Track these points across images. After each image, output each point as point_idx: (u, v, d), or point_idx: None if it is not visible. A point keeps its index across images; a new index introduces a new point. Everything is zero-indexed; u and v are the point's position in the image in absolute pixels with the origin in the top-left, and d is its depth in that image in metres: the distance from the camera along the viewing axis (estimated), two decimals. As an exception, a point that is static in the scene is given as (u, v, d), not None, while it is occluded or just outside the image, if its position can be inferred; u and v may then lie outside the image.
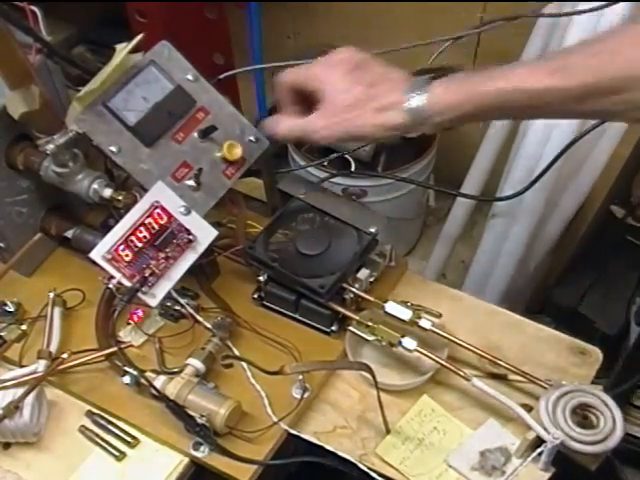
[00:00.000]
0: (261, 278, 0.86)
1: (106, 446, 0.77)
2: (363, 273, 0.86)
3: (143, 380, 0.76)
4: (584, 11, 1.01)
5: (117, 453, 0.77)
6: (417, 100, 0.70)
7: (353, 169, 1.61)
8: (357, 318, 0.82)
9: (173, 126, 0.84)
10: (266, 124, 0.82)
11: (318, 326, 0.86)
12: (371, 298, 0.84)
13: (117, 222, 0.77)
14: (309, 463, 0.76)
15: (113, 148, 0.79)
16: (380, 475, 0.74)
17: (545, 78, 0.63)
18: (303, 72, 0.77)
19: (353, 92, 0.73)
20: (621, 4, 1.04)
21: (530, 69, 0.65)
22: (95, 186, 0.81)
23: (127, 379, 0.78)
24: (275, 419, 0.77)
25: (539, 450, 0.72)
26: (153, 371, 0.78)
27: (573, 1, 1.07)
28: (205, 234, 0.81)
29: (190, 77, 0.86)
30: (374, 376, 0.75)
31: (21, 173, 0.86)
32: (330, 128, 0.74)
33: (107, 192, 0.81)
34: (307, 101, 0.77)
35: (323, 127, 0.75)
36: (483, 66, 0.69)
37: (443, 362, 0.78)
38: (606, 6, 0.99)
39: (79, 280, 0.88)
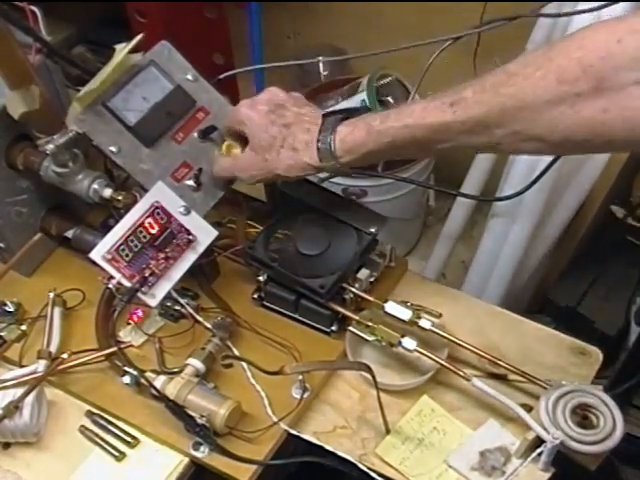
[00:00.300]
0: (261, 278, 0.86)
1: (106, 446, 0.77)
2: (363, 273, 0.86)
3: (143, 380, 0.76)
4: (584, 11, 1.01)
5: (117, 453, 0.77)
6: (326, 140, 0.74)
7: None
8: (357, 318, 0.82)
9: (173, 126, 0.84)
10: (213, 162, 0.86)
11: (318, 326, 0.86)
12: (371, 298, 0.84)
13: (117, 222, 0.77)
14: (309, 463, 0.76)
15: (113, 148, 0.79)
16: (380, 475, 0.74)
17: (440, 112, 0.67)
18: (231, 117, 0.83)
19: (270, 132, 0.77)
20: (621, 4, 1.04)
21: (428, 104, 0.68)
22: (95, 186, 0.81)
23: (127, 379, 0.78)
24: (275, 419, 0.77)
25: (539, 450, 0.72)
26: (153, 371, 0.78)
27: (573, 1, 1.07)
28: (205, 234, 0.81)
29: (190, 77, 0.86)
30: (374, 376, 0.75)
31: (21, 173, 0.86)
32: (252, 169, 0.80)
33: (107, 192, 0.81)
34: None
35: (246, 168, 0.80)
36: (388, 109, 0.74)
37: (443, 362, 0.78)
38: (606, 6, 0.98)
39: (79, 280, 0.88)
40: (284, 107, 0.79)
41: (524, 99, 0.61)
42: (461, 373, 0.77)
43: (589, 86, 0.58)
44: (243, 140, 0.83)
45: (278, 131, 0.77)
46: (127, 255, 0.76)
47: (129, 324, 0.85)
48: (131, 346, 0.83)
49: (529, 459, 0.73)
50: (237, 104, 0.82)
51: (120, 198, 0.81)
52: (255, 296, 0.88)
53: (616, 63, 0.56)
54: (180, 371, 0.77)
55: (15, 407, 0.74)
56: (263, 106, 0.79)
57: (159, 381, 0.76)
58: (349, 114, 0.76)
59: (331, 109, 0.79)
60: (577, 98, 0.58)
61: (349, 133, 0.73)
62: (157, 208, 0.78)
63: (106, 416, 0.80)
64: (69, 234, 0.90)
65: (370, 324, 0.81)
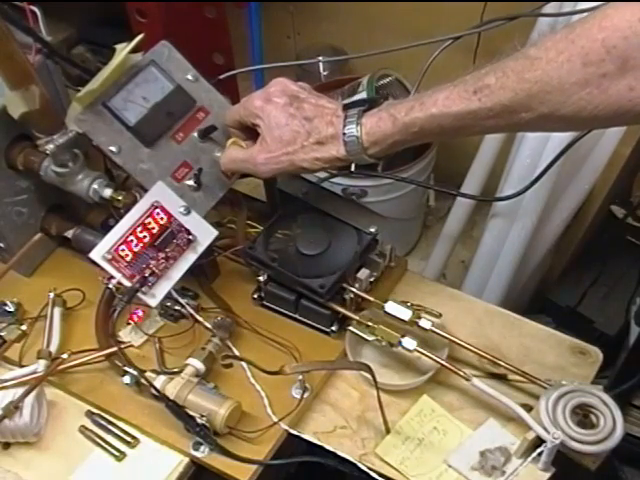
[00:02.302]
0: (261, 278, 0.86)
1: (106, 446, 0.77)
2: (363, 273, 0.86)
3: (143, 380, 0.76)
4: (584, 11, 1.01)
5: (117, 453, 0.77)
6: (352, 133, 0.73)
7: (353, 169, 1.60)
8: (357, 318, 0.82)
9: (173, 126, 0.84)
10: (221, 155, 0.84)
11: (318, 326, 0.86)
12: (371, 298, 0.84)
13: (117, 222, 0.77)
14: (309, 463, 0.76)
15: (113, 148, 0.79)
16: (380, 475, 0.74)
17: (466, 100, 0.67)
18: (243, 108, 0.81)
19: (291, 126, 0.76)
20: (621, 4, 1.04)
21: (450, 93, 0.68)
22: (95, 186, 0.81)
23: (127, 379, 0.78)
24: (275, 419, 0.77)
25: (539, 450, 0.72)
26: (153, 371, 0.78)
27: (573, 1, 1.07)
28: (205, 234, 0.81)
29: (190, 77, 0.86)
30: (374, 376, 0.75)
31: (21, 173, 0.86)
32: (270, 163, 0.78)
33: (107, 192, 0.81)
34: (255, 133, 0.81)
35: (262, 162, 0.78)
36: (415, 94, 0.73)
37: (443, 362, 0.78)
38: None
39: (79, 280, 0.88)
40: (300, 99, 0.77)
41: (550, 83, 0.61)
42: (461, 373, 0.77)
43: (614, 66, 0.58)
44: (250, 135, 0.81)
45: (300, 125, 0.76)
46: (127, 255, 0.76)
47: (129, 324, 0.85)
48: (131, 346, 0.83)
49: (529, 459, 0.73)
50: (245, 98, 0.80)
51: (120, 198, 0.81)
52: (255, 296, 0.88)
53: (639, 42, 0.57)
54: (180, 371, 0.77)
55: (15, 407, 0.74)
56: (279, 99, 0.77)
57: (159, 381, 0.76)
58: (369, 104, 0.75)
59: (347, 101, 0.78)
60: (603, 78, 0.59)
61: (375, 125, 0.73)
62: (157, 208, 0.78)
63: (106, 416, 0.80)
64: (69, 234, 0.90)
65: (370, 324, 0.81)
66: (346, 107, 0.76)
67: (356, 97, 1.54)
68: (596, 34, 0.58)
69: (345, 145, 0.74)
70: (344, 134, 0.74)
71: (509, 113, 0.65)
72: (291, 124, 0.76)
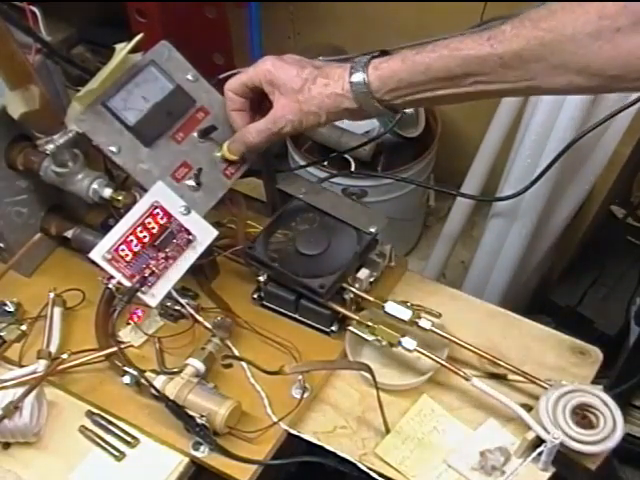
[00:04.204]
0: (261, 278, 0.85)
1: (106, 446, 0.77)
2: (363, 273, 0.86)
3: (143, 380, 0.76)
4: (584, 11, 1.01)
5: (117, 453, 0.77)
6: (359, 70, 0.73)
7: (353, 169, 1.61)
8: (357, 318, 0.82)
9: (173, 126, 0.84)
10: (237, 140, 0.83)
11: (318, 326, 0.86)
12: (371, 298, 0.84)
13: (117, 222, 0.77)
14: (309, 463, 0.76)
15: (113, 148, 0.79)
16: (380, 475, 0.74)
17: (477, 45, 0.66)
18: (252, 71, 0.80)
19: (302, 75, 0.76)
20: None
21: (464, 38, 0.68)
22: (95, 186, 0.81)
23: (127, 379, 0.78)
24: (275, 419, 0.77)
25: (539, 450, 0.72)
26: (153, 371, 0.78)
27: (572, 1, 1.07)
28: (205, 234, 0.81)
29: (190, 77, 0.86)
30: (374, 376, 0.75)
31: (21, 173, 0.86)
32: (286, 113, 0.77)
33: (107, 192, 0.81)
34: (257, 106, 0.81)
35: (281, 114, 0.77)
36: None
37: (443, 362, 0.78)
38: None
39: (79, 280, 0.88)
40: (312, 60, 0.78)
41: (563, 33, 0.62)
42: (461, 373, 0.77)
43: (629, 21, 0.58)
44: (249, 105, 0.81)
45: (309, 72, 0.76)
46: (127, 255, 0.76)
47: (129, 324, 0.84)
48: (131, 346, 0.83)
49: (529, 459, 0.73)
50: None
51: (120, 198, 0.81)
52: (255, 296, 0.88)
53: None
54: (180, 371, 0.77)
55: (15, 407, 0.74)
56: (290, 58, 0.79)
57: (159, 381, 0.76)
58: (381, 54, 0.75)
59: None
60: (616, 33, 0.59)
61: (383, 61, 0.72)
62: (157, 208, 0.78)
63: (106, 416, 0.80)
64: (69, 234, 0.90)
65: (370, 324, 0.81)
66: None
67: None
68: None
69: (351, 83, 0.73)
70: (351, 69, 0.73)
71: (520, 62, 0.65)
72: (301, 73, 0.76)
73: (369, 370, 0.75)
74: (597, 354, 0.84)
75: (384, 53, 0.75)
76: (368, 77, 0.72)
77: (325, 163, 1.56)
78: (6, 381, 0.77)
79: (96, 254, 0.75)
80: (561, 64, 0.63)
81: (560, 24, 0.62)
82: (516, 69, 0.66)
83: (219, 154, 0.85)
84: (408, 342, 0.78)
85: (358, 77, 0.73)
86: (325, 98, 0.75)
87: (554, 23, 0.62)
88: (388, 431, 0.78)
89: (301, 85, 0.76)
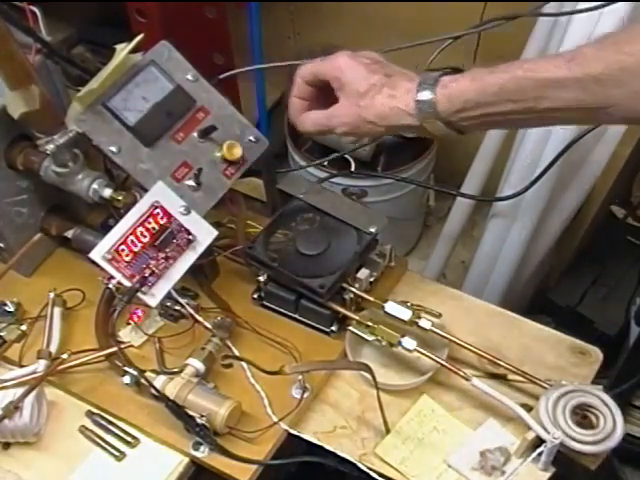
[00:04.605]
0: (261, 278, 0.86)
1: (106, 446, 0.77)
2: (363, 273, 0.86)
3: (143, 380, 0.76)
4: (584, 10, 1.01)
5: (117, 453, 0.77)
6: (427, 89, 0.70)
7: (353, 169, 1.61)
8: (357, 318, 0.82)
9: (173, 126, 0.84)
10: (296, 122, 0.81)
11: (318, 326, 0.86)
12: (371, 298, 0.84)
13: (117, 222, 0.77)
14: (309, 463, 0.76)
15: (113, 148, 0.79)
16: (380, 475, 0.74)
17: (554, 67, 0.64)
18: (325, 63, 0.78)
19: (370, 80, 0.73)
20: (621, 4, 1.04)
21: (540, 60, 0.66)
22: (95, 186, 0.81)
23: (127, 379, 0.78)
24: (275, 419, 0.77)
25: (539, 450, 0.72)
26: (153, 371, 0.78)
27: (573, 1, 1.07)
28: (205, 234, 0.81)
29: (190, 77, 0.86)
30: (374, 376, 0.75)
31: (21, 173, 0.86)
32: (344, 115, 0.75)
33: (107, 192, 0.81)
34: (324, 97, 0.78)
35: (339, 114, 0.75)
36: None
37: (443, 362, 0.78)
38: (606, 5, 0.99)
39: (79, 280, 0.88)
40: (386, 64, 0.75)
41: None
42: (461, 373, 0.77)
43: None
44: (315, 96, 0.79)
45: (378, 79, 0.73)
46: (127, 255, 0.76)
47: (129, 324, 0.85)
48: (131, 346, 0.83)
49: (529, 459, 0.73)
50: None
51: (120, 198, 0.81)
52: (255, 296, 0.88)
53: None
54: (180, 371, 0.77)
55: (15, 407, 0.74)
56: (365, 58, 0.76)
57: (159, 381, 0.76)
58: (451, 71, 0.72)
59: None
60: None
61: (453, 80, 0.69)
62: (157, 208, 0.78)
63: (106, 416, 0.80)
64: (69, 234, 0.90)
65: (370, 324, 0.81)
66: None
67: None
68: None
69: (416, 100, 0.70)
70: (419, 84, 0.70)
71: (599, 87, 0.62)
72: (370, 78, 0.73)
73: (369, 370, 0.75)
74: (597, 354, 0.84)
75: (455, 71, 0.72)
76: (436, 96, 0.69)
77: (325, 163, 1.56)
78: (6, 381, 0.77)
79: (96, 254, 0.75)
80: None
81: None
82: (595, 94, 0.63)
83: (219, 154, 0.85)
84: (408, 342, 0.78)
85: (425, 95, 0.70)
86: (387, 109, 0.72)
87: (637, 47, 0.59)
88: (388, 431, 0.78)
89: (366, 90, 0.73)
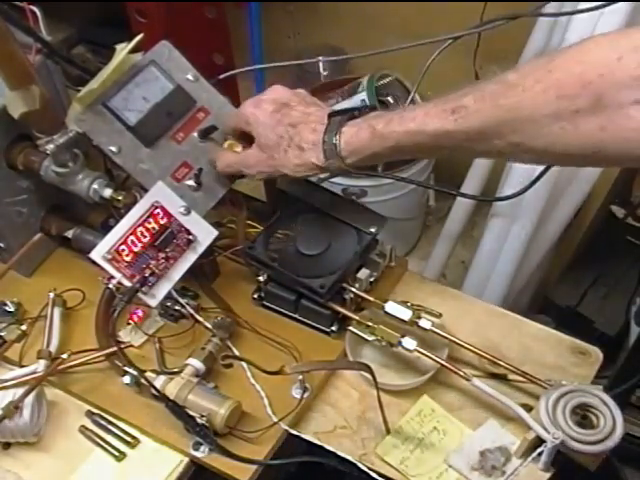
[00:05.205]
0: (261, 278, 0.86)
1: (106, 446, 0.77)
2: (363, 273, 0.86)
3: (143, 380, 0.76)
4: (584, 10, 1.01)
5: (117, 453, 0.77)
6: (331, 141, 0.74)
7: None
8: (357, 318, 0.82)
9: (173, 126, 0.84)
10: (215, 157, 0.85)
11: (318, 326, 0.86)
12: (371, 298, 0.84)
13: (117, 222, 0.77)
14: (309, 463, 0.76)
15: (113, 148, 0.79)
16: (380, 475, 0.74)
17: (442, 120, 0.66)
18: (236, 114, 0.83)
19: (276, 131, 0.77)
20: (621, 4, 1.04)
21: (430, 110, 0.67)
22: (95, 186, 0.81)
23: (127, 379, 0.78)
24: (275, 419, 0.77)
25: (539, 450, 0.72)
26: (153, 371, 0.78)
27: (573, 1, 1.07)
28: (205, 234, 0.81)
29: (190, 77, 0.86)
30: (374, 376, 0.75)
31: (21, 173, 0.86)
32: (259, 165, 0.80)
33: (107, 192, 0.81)
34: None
35: (253, 164, 0.80)
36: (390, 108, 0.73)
37: (443, 362, 0.78)
38: (606, 5, 0.99)
39: (79, 280, 0.88)
40: (289, 106, 0.79)
41: (523, 112, 0.60)
42: (461, 373, 0.77)
43: (588, 103, 0.56)
44: (247, 139, 0.82)
45: (285, 130, 0.77)
46: (127, 255, 0.76)
47: (129, 324, 0.84)
48: (131, 346, 0.83)
49: (529, 459, 0.73)
50: (240, 103, 0.81)
51: (120, 198, 0.81)
52: (255, 296, 0.88)
53: (616, 81, 0.55)
54: (180, 371, 0.77)
55: (15, 407, 0.74)
56: (268, 105, 0.79)
57: (159, 381, 0.76)
58: (355, 113, 0.76)
59: (336, 107, 0.79)
60: (576, 114, 0.57)
61: (354, 134, 0.73)
62: (157, 208, 0.78)
63: (106, 416, 0.80)
64: (69, 234, 0.90)
65: (370, 324, 0.81)
66: (331, 115, 0.76)
67: (356, 97, 1.54)
68: (574, 67, 0.57)
69: (324, 153, 0.74)
70: (324, 142, 0.74)
71: (482, 138, 0.64)
72: (276, 130, 0.77)
73: (369, 370, 0.75)
74: (597, 354, 0.84)
75: (352, 116, 0.76)
76: (340, 148, 0.73)
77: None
78: (6, 381, 0.77)
79: (96, 254, 0.75)
80: (522, 143, 0.62)
81: (519, 103, 0.60)
82: (481, 143, 0.65)
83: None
84: (408, 342, 0.78)
85: (331, 151, 0.74)
86: (299, 162, 0.77)
87: (512, 101, 0.61)
88: (388, 431, 0.78)
89: (275, 143, 0.77)
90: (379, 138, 0.71)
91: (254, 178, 0.82)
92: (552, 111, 0.58)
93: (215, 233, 0.82)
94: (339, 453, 0.75)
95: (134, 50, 0.80)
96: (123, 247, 0.76)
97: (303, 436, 0.77)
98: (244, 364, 0.81)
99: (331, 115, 0.76)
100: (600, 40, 0.57)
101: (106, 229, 0.78)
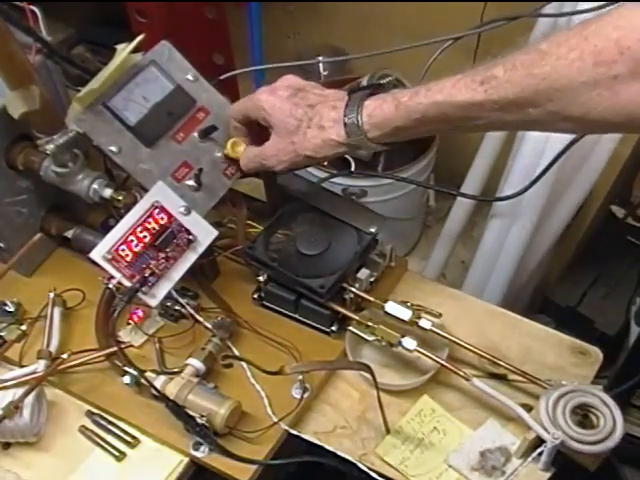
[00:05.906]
0: (261, 278, 0.85)
1: (106, 446, 0.77)
2: (363, 273, 0.86)
3: (143, 380, 0.76)
4: (584, 11, 1.01)
5: (117, 453, 0.77)
6: (353, 115, 0.72)
7: (353, 169, 1.61)
8: (357, 318, 0.82)
9: (173, 126, 0.84)
10: (240, 157, 0.84)
11: (318, 326, 0.86)
12: (371, 298, 0.84)
13: (117, 222, 0.77)
14: (309, 463, 0.76)
15: (113, 148, 0.79)
16: (380, 475, 0.74)
17: (471, 91, 0.65)
18: (248, 102, 0.81)
19: (295, 115, 0.76)
20: (621, 4, 1.04)
21: (458, 81, 0.66)
22: (95, 186, 0.81)
23: (127, 379, 0.78)
24: (275, 419, 0.77)
25: (539, 450, 0.72)
26: (153, 371, 0.78)
27: (573, 1, 1.07)
28: (205, 234, 0.81)
29: (190, 77, 0.86)
30: (374, 376, 0.75)
31: (21, 173, 0.86)
32: (279, 154, 0.78)
33: (107, 192, 0.81)
34: (261, 130, 0.81)
35: (273, 154, 0.79)
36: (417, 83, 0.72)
37: (443, 362, 0.78)
38: (606, 6, 0.99)
39: (79, 280, 0.88)
40: (305, 90, 0.77)
41: (559, 81, 0.59)
42: (461, 373, 0.77)
43: (626, 69, 0.56)
44: (253, 131, 0.81)
45: (303, 113, 0.75)
46: (127, 255, 0.76)
47: (129, 324, 0.84)
48: (131, 346, 0.83)
49: (529, 459, 0.73)
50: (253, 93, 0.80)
51: (120, 198, 0.81)
52: (255, 296, 0.88)
53: None
54: (180, 371, 0.77)
55: (15, 407, 0.74)
56: (283, 91, 0.77)
57: (159, 381, 0.76)
58: (376, 90, 0.74)
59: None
60: (614, 81, 0.57)
61: (377, 107, 0.72)
62: (157, 208, 0.78)
63: (106, 416, 0.80)
64: (69, 234, 0.90)
65: (370, 324, 0.81)
66: (351, 92, 0.75)
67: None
68: (611, 33, 0.56)
69: (345, 127, 0.73)
70: (345, 115, 0.73)
71: (516, 107, 0.63)
72: (295, 113, 0.76)
73: (369, 370, 0.75)
74: (597, 354, 0.84)
75: (376, 88, 0.74)
76: (363, 125, 0.72)
77: (325, 163, 1.56)
78: (6, 381, 0.77)
79: (96, 254, 0.75)
80: (559, 111, 0.61)
81: (554, 72, 0.59)
82: (514, 113, 0.64)
83: (219, 154, 0.85)
84: (408, 342, 0.78)
85: (353, 125, 0.72)
86: (320, 142, 0.75)
87: (547, 69, 0.60)
88: (388, 431, 0.78)
89: (296, 127, 0.76)
90: (404, 110, 0.70)
91: (278, 169, 0.80)
92: (589, 78, 0.58)
93: (215, 233, 0.82)
94: (339, 453, 0.75)
95: (134, 50, 0.80)
96: (123, 247, 0.76)
97: (303, 436, 0.77)
98: (244, 364, 0.81)
99: (351, 92, 0.75)
100: (633, 6, 0.56)
101: (106, 229, 0.78)
